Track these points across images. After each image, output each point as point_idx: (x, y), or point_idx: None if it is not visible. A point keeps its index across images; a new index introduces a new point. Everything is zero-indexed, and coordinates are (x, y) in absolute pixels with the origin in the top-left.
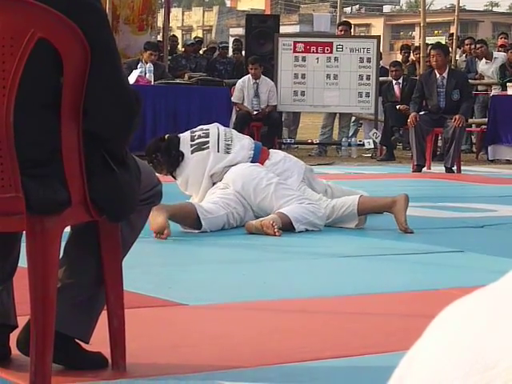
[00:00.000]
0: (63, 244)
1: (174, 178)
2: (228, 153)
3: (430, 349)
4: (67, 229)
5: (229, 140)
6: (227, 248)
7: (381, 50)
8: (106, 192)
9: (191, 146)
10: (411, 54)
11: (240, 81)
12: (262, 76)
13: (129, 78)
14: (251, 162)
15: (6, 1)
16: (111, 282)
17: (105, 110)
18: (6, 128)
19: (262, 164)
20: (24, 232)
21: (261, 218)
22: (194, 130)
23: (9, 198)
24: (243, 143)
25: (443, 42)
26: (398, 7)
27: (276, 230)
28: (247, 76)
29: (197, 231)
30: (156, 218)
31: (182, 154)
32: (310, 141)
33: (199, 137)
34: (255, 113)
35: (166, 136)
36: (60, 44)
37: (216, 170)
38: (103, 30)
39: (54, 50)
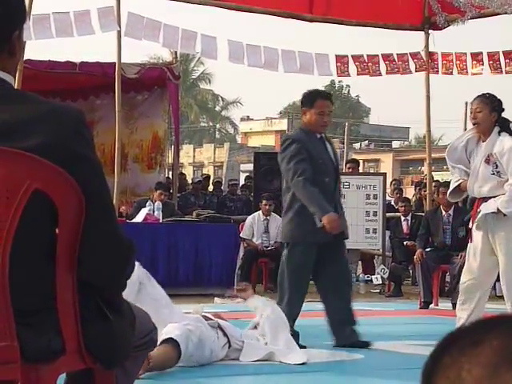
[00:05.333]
0: None
1: None
2: None
3: None
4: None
5: None
6: None
7: (389, 186)
8: (100, 340)
9: None
10: (403, 190)
11: (250, 217)
12: (272, 213)
13: (138, 216)
14: None
15: (1, 153)
16: None
17: (98, 260)
18: (2, 278)
19: None
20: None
21: None
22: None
23: (4, 346)
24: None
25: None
26: (406, 142)
27: None
28: (257, 212)
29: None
30: None
31: None
32: None
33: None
34: (264, 248)
35: None
36: (55, 196)
37: None
38: (97, 181)
39: (50, 201)
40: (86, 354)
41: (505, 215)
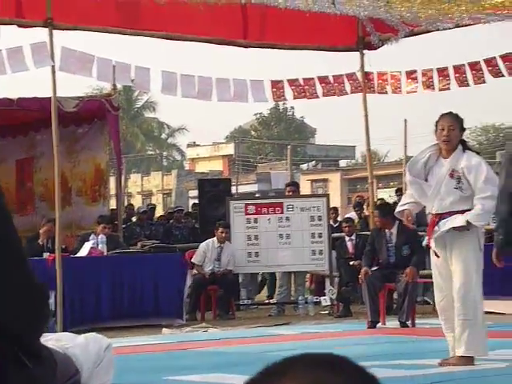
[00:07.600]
0: None
1: None
2: None
3: None
4: None
5: None
6: None
7: (339, 206)
8: None
9: None
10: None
11: (203, 243)
12: (226, 241)
13: (82, 250)
14: None
15: None
16: None
17: (11, 307)
18: None
19: None
20: None
21: None
22: None
23: None
24: None
25: (393, 195)
26: (353, 161)
27: None
28: (211, 239)
29: None
30: None
31: None
32: (267, 301)
33: None
34: (209, 274)
35: None
36: None
37: None
38: (4, 227)
39: None
40: None
41: (468, 229)
